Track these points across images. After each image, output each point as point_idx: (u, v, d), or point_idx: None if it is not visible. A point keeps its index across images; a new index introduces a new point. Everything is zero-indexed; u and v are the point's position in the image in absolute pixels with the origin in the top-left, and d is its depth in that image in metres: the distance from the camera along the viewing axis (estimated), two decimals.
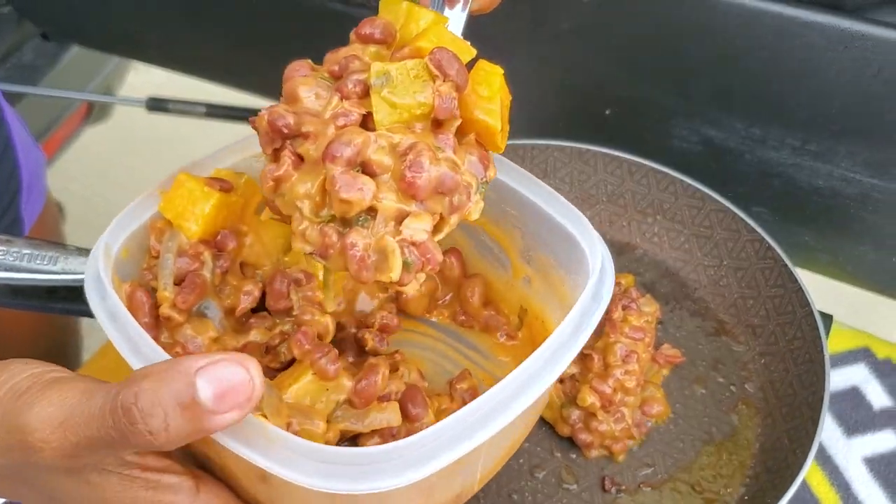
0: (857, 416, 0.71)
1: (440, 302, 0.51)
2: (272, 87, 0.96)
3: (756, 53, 0.65)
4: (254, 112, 1.15)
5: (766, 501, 0.50)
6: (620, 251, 0.69)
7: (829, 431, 0.70)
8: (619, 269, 0.68)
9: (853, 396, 0.72)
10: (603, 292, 0.41)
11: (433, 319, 0.51)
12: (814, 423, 0.52)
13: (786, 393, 0.58)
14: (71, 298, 0.47)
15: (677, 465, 0.56)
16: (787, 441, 0.55)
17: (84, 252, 0.46)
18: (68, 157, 1.30)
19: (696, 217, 0.67)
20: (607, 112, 0.74)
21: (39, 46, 1.10)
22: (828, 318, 0.69)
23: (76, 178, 1.70)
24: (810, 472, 0.67)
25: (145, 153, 1.78)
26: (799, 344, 0.59)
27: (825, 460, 0.68)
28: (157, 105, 1.06)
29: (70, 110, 1.23)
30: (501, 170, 0.46)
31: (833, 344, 0.77)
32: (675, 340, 0.63)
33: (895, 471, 0.67)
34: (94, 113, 1.32)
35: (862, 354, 0.75)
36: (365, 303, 0.49)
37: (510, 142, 0.54)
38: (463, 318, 0.51)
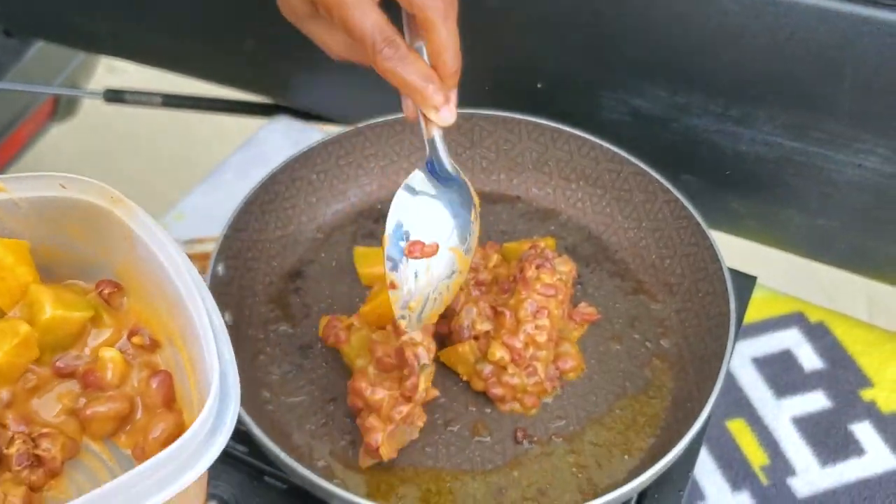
0: (787, 378, 0.72)
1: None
2: (227, 75, 0.98)
3: (673, 22, 0.66)
4: (210, 101, 1.15)
5: (671, 448, 0.50)
6: (545, 217, 0.70)
7: (759, 393, 0.71)
8: (544, 235, 0.69)
9: (785, 359, 0.73)
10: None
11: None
12: (719, 370, 0.53)
13: (698, 347, 0.59)
14: None
15: (590, 418, 0.57)
16: (697, 391, 0.56)
17: None
18: (33, 155, 1.32)
19: (616, 181, 0.68)
20: (539, 86, 0.76)
21: (2, 43, 1.12)
22: (751, 279, 0.70)
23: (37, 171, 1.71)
24: (739, 431, 0.68)
25: (112, 150, 1.79)
26: (710, 299, 0.60)
27: (755, 420, 0.69)
28: (114, 96, 1.07)
29: (34, 107, 1.24)
30: None
31: (766, 309, 0.78)
32: (594, 300, 0.64)
33: (823, 429, 0.68)
34: (60, 110, 1.33)
35: (795, 319, 0.76)
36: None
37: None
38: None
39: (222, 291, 0.58)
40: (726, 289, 0.57)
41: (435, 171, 0.52)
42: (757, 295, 0.76)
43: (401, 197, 0.51)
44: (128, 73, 1.76)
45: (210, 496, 0.55)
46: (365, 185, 0.70)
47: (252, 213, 0.62)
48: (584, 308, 0.61)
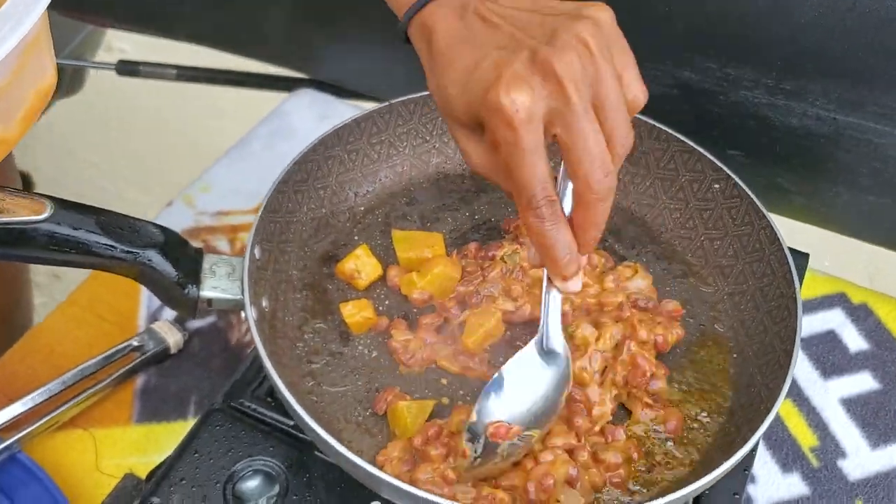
0: (833, 359, 0.70)
1: None
2: (247, 45, 0.94)
3: None
4: (227, 73, 1.11)
5: (741, 436, 0.48)
6: None
7: (805, 373, 0.69)
8: None
9: (829, 340, 0.72)
10: None
11: None
12: (787, 354, 0.51)
13: (756, 331, 0.57)
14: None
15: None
16: (760, 377, 0.54)
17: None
18: (37, 129, 1.27)
19: (661, 160, 0.65)
20: None
21: None
22: (804, 256, 0.67)
23: (45, 150, 1.66)
24: (787, 412, 0.66)
25: (118, 126, 1.74)
26: (769, 280, 0.57)
27: (802, 402, 0.68)
28: (127, 69, 1.03)
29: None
30: None
31: (809, 290, 0.76)
32: None
33: (871, 410, 0.67)
34: (65, 84, 1.28)
35: (838, 300, 0.74)
36: None
37: None
38: None
39: (260, 276, 0.55)
40: (789, 270, 0.55)
41: (541, 344, 0.51)
42: None
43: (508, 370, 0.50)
44: (124, 54, 1.71)
45: (255, 472, 0.53)
46: (396, 166, 0.66)
47: (285, 193, 0.59)
48: (668, 305, 0.58)
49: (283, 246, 0.59)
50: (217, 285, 0.51)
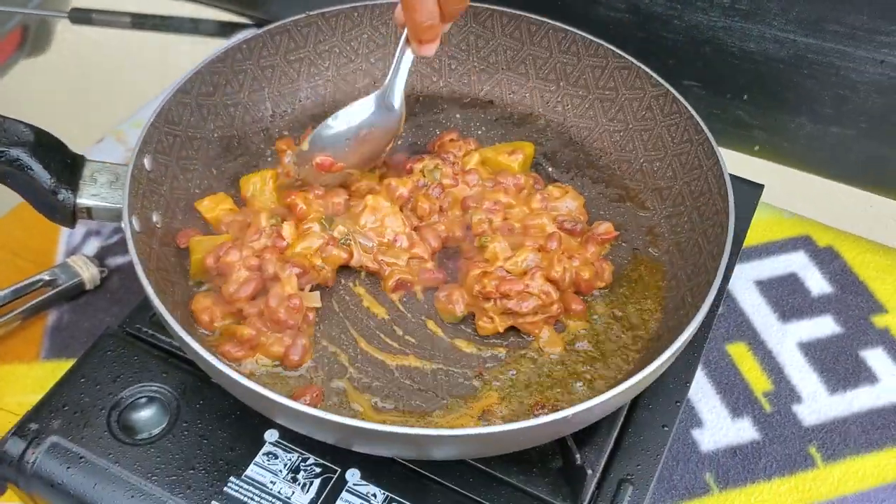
0: (793, 302, 0.65)
1: None
2: None
3: None
4: (179, 21, 1.08)
5: (659, 355, 0.43)
6: (521, 122, 0.63)
7: (762, 317, 0.65)
8: (520, 139, 0.62)
9: (791, 282, 0.67)
10: None
11: None
12: (714, 269, 0.46)
13: (691, 252, 0.52)
14: None
15: (576, 336, 0.50)
16: (690, 298, 0.49)
17: None
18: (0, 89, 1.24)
19: (600, 79, 0.60)
20: None
21: None
22: (757, 187, 0.63)
23: (6, 107, 1.63)
24: (741, 356, 0.62)
25: (78, 85, 1.70)
26: (706, 199, 0.52)
27: (757, 345, 0.63)
28: (80, 16, 1.01)
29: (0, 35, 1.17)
30: None
31: (772, 232, 0.71)
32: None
33: (832, 355, 0.62)
34: (28, 42, 1.25)
35: (802, 242, 0.69)
36: None
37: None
38: None
39: (151, 189, 0.51)
40: (724, 184, 0.50)
41: (382, 97, 0.53)
42: (762, 216, 0.69)
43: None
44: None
45: (147, 399, 0.50)
46: (317, 86, 0.62)
47: (186, 105, 0.55)
48: (600, 227, 0.55)
49: (185, 163, 0.55)
50: (97, 193, 0.47)
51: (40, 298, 0.63)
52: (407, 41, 0.50)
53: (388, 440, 0.41)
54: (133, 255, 0.45)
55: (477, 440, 0.40)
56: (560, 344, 0.49)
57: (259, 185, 0.55)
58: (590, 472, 0.43)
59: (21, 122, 0.47)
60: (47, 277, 0.64)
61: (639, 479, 0.47)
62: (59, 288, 0.63)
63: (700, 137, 0.53)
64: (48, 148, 0.47)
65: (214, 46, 0.92)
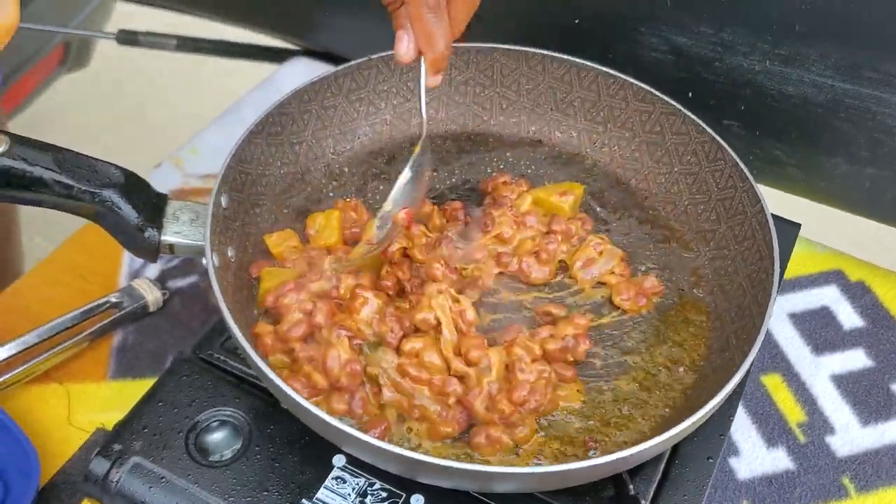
0: (826, 335, 0.68)
1: None
2: (246, 14, 0.93)
3: None
4: (227, 45, 1.11)
5: (711, 394, 0.46)
6: (569, 162, 0.66)
7: (796, 349, 0.67)
8: (568, 179, 0.65)
9: (823, 316, 0.69)
10: None
11: None
12: (761, 315, 0.49)
13: (735, 294, 0.55)
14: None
15: (623, 368, 0.53)
16: (735, 340, 0.52)
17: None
18: (41, 103, 1.28)
19: (647, 123, 0.63)
20: (577, 21, 0.71)
21: None
22: (795, 226, 0.65)
23: (49, 124, 1.67)
24: (775, 387, 0.64)
25: (117, 98, 1.74)
26: (749, 244, 0.55)
27: (791, 377, 0.65)
28: (127, 38, 1.04)
29: (44, 52, 1.20)
30: None
31: (805, 266, 0.74)
32: (621, 246, 0.59)
33: (864, 388, 0.64)
34: (71, 57, 1.29)
35: (834, 276, 0.72)
36: None
37: (453, 44, 0.53)
38: None
39: (226, 226, 0.54)
40: (769, 232, 0.53)
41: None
42: (795, 250, 0.72)
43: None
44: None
45: (220, 424, 0.53)
46: (376, 124, 0.65)
47: (257, 144, 0.58)
48: (647, 281, 0.57)
49: (255, 198, 0.58)
50: (180, 230, 0.51)
51: (108, 320, 0.66)
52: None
53: (450, 474, 0.44)
54: (217, 291, 0.48)
55: (537, 478, 0.43)
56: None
57: (323, 224, 0.58)
58: (643, 502, 0.46)
59: (112, 164, 0.50)
60: (114, 300, 0.67)
61: None
62: (125, 310, 0.67)
63: (744, 185, 0.56)
64: (136, 188, 0.50)
65: (264, 70, 0.96)
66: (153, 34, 1.04)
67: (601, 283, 0.58)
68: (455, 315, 0.52)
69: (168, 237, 0.50)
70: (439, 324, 0.51)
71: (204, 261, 0.50)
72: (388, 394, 0.50)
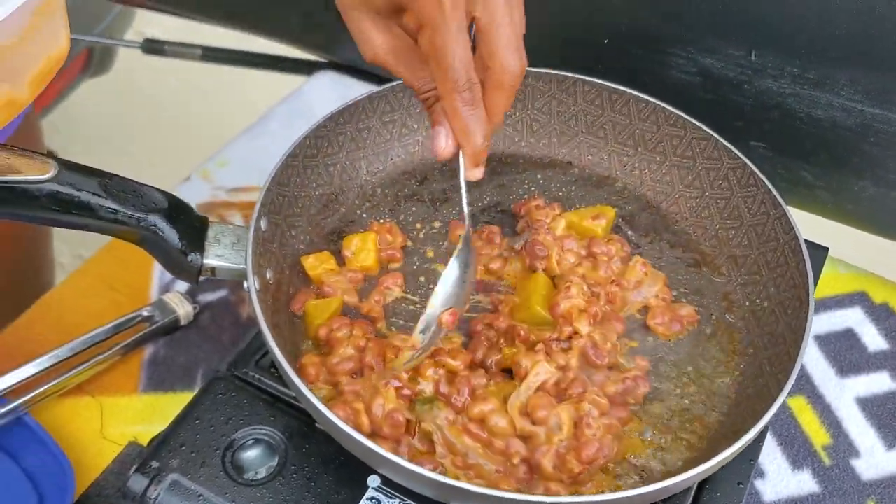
0: (850, 358, 0.68)
1: None
2: (270, 27, 0.94)
3: None
4: (252, 56, 1.12)
5: (745, 426, 0.47)
6: (599, 184, 0.66)
7: (821, 371, 0.68)
8: (598, 202, 0.65)
9: (848, 338, 0.70)
10: None
11: None
12: (796, 345, 0.49)
13: (768, 321, 0.55)
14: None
15: (656, 394, 0.54)
16: (769, 367, 0.52)
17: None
18: (64, 108, 1.29)
19: (678, 147, 0.64)
20: (605, 42, 0.71)
21: None
22: (823, 250, 0.66)
23: (71, 129, 1.68)
24: (800, 409, 0.65)
25: (142, 106, 1.75)
26: (782, 271, 0.56)
27: (816, 399, 0.66)
28: (153, 47, 1.04)
29: (67, 60, 1.21)
30: None
31: (829, 287, 0.74)
32: None
33: (889, 411, 0.65)
34: (93, 64, 1.30)
35: (858, 298, 0.72)
36: None
37: None
38: None
39: (265, 249, 0.55)
40: (802, 260, 0.53)
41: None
42: None
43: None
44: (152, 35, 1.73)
45: (255, 442, 0.53)
46: (408, 145, 0.66)
47: (295, 167, 0.59)
48: (684, 309, 0.57)
49: (291, 220, 0.59)
50: (221, 254, 0.51)
51: (139, 334, 0.67)
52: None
53: (484, 501, 0.45)
54: (259, 315, 0.49)
55: None
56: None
57: (359, 246, 0.59)
58: None
59: (156, 189, 0.51)
60: (145, 314, 0.68)
61: None
62: (157, 324, 0.68)
63: (777, 211, 0.57)
64: (179, 212, 0.51)
65: (286, 83, 0.96)
66: (178, 44, 1.05)
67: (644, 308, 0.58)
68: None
69: (210, 261, 0.51)
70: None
71: (246, 284, 0.50)
72: (441, 451, 0.50)
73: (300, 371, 0.53)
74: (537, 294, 0.55)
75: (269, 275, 0.55)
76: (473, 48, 0.46)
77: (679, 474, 0.44)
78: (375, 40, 0.48)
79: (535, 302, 0.55)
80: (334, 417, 0.46)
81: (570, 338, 0.53)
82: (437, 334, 0.52)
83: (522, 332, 0.54)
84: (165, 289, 0.72)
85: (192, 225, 0.51)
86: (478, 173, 0.50)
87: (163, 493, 0.52)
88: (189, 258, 0.50)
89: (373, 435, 0.50)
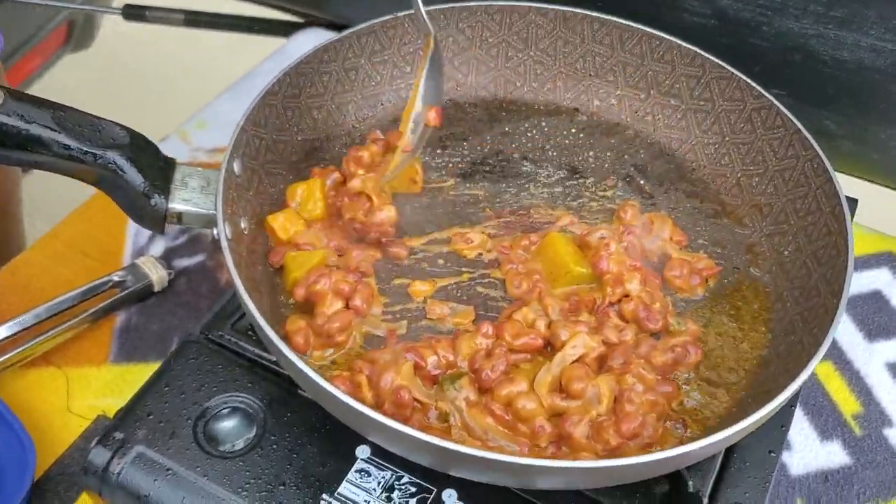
0: (879, 321, 0.63)
1: None
2: None
3: None
4: (234, 19, 1.06)
5: (778, 386, 0.42)
6: (609, 132, 0.61)
7: (849, 336, 0.63)
8: (607, 150, 0.60)
9: (876, 300, 0.65)
10: None
11: None
12: (834, 297, 0.44)
13: (798, 274, 0.50)
14: None
15: None
16: (801, 324, 0.47)
17: None
18: (44, 83, 1.23)
19: (696, 89, 0.58)
20: None
21: None
22: (852, 202, 0.60)
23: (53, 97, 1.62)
24: (828, 376, 0.60)
25: (127, 81, 1.70)
26: (814, 218, 0.50)
27: (844, 365, 0.61)
28: (134, 13, 0.99)
29: (47, 31, 1.15)
30: None
31: (855, 247, 0.69)
32: None
33: None
34: (75, 37, 1.24)
35: (885, 258, 0.68)
36: None
37: (485, 3, 0.48)
38: None
39: (239, 195, 0.49)
40: (838, 203, 0.48)
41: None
42: None
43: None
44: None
45: (231, 410, 0.48)
46: (400, 89, 0.60)
47: (273, 106, 0.53)
48: (701, 262, 0.52)
49: (270, 167, 0.54)
50: (188, 198, 0.46)
51: (110, 300, 0.62)
52: None
53: (487, 467, 0.40)
54: (230, 264, 0.43)
55: (587, 474, 0.38)
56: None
57: (305, 195, 0.53)
58: (704, 499, 0.42)
59: (117, 123, 0.45)
60: (116, 279, 0.63)
61: None
62: (129, 290, 0.62)
63: (809, 153, 0.51)
64: (142, 150, 0.45)
65: (271, 46, 0.91)
66: (160, 9, 1.00)
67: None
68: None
69: (176, 205, 0.46)
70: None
71: (215, 231, 0.45)
72: (457, 434, 0.44)
73: (287, 340, 0.47)
74: (568, 254, 0.50)
75: (243, 224, 0.49)
76: None
77: (701, 439, 0.38)
78: None
79: (571, 262, 0.50)
80: (318, 377, 0.40)
81: (619, 301, 0.48)
82: (425, 134, 0.52)
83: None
84: (140, 254, 0.67)
85: (156, 165, 0.46)
86: None
87: (127, 466, 0.46)
88: (152, 201, 0.45)
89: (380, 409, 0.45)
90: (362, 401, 0.43)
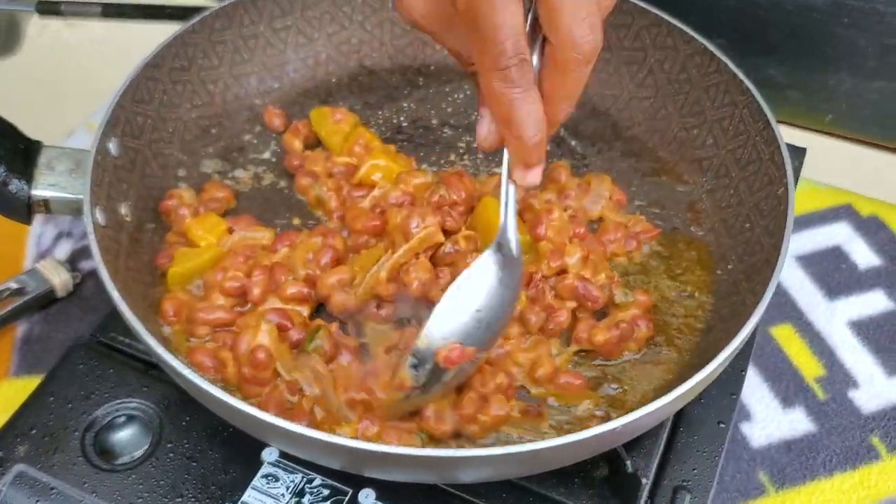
0: (839, 278, 0.60)
1: None
2: None
3: None
4: (153, 9, 1.00)
5: (720, 348, 0.37)
6: None
7: (807, 295, 0.59)
8: None
9: (835, 256, 0.61)
10: None
11: None
12: (776, 248, 0.40)
13: (741, 229, 0.46)
14: None
15: None
16: (745, 283, 0.43)
17: None
18: None
19: (625, 39, 0.54)
20: None
21: None
22: (800, 151, 0.57)
23: None
24: (787, 339, 0.56)
25: (56, 81, 1.63)
26: (755, 168, 0.46)
27: (804, 326, 0.57)
28: (47, 8, 0.94)
29: None
30: None
31: (810, 202, 0.65)
32: None
33: (887, 334, 0.56)
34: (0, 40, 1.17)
35: (844, 212, 0.64)
36: None
37: None
38: None
39: (118, 178, 0.44)
40: (777, 149, 0.44)
41: (497, 248, 0.40)
42: (797, 187, 0.63)
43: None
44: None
45: (126, 419, 0.44)
46: (307, 58, 0.55)
47: (158, 80, 0.48)
48: (638, 224, 0.48)
49: (158, 147, 0.48)
50: (55, 182, 0.41)
51: (8, 309, 0.56)
52: (508, 171, 0.39)
53: (411, 464, 0.35)
54: (95, 252, 0.38)
55: (514, 459, 0.34)
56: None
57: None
58: (644, 480, 0.37)
59: None
60: (14, 286, 0.57)
61: (696, 484, 0.41)
62: (28, 297, 0.57)
63: (745, 98, 0.47)
64: None
65: None
66: (74, 2, 0.95)
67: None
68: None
69: (40, 191, 0.41)
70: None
71: (84, 218, 0.40)
72: (308, 390, 0.40)
73: (158, 312, 0.43)
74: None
75: (123, 210, 0.44)
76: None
77: (638, 409, 0.34)
78: (415, 2, 0.37)
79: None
80: (200, 380, 0.35)
81: (557, 274, 0.44)
82: (439, 377, 0.39)
83: None
84: (43, 256, 0.62)
85: (15, 148, 0.41)
86: (531, 177, 0.38)
87: (6, 487, 0.41)
88: (11, 188, 0.40)
89: (240, 385, 0.41)
90: (227, 380, 0.38)
